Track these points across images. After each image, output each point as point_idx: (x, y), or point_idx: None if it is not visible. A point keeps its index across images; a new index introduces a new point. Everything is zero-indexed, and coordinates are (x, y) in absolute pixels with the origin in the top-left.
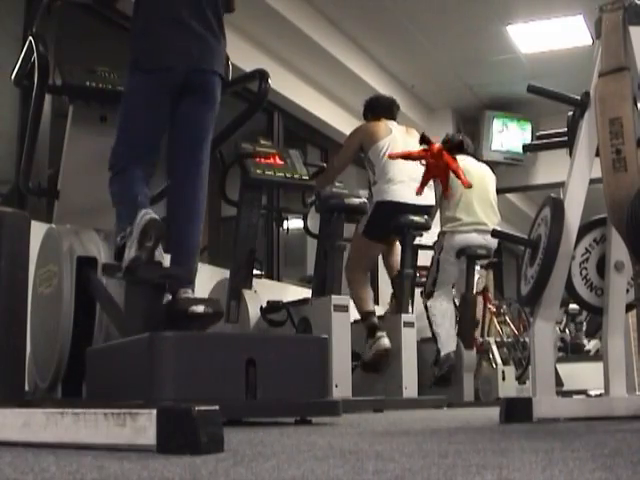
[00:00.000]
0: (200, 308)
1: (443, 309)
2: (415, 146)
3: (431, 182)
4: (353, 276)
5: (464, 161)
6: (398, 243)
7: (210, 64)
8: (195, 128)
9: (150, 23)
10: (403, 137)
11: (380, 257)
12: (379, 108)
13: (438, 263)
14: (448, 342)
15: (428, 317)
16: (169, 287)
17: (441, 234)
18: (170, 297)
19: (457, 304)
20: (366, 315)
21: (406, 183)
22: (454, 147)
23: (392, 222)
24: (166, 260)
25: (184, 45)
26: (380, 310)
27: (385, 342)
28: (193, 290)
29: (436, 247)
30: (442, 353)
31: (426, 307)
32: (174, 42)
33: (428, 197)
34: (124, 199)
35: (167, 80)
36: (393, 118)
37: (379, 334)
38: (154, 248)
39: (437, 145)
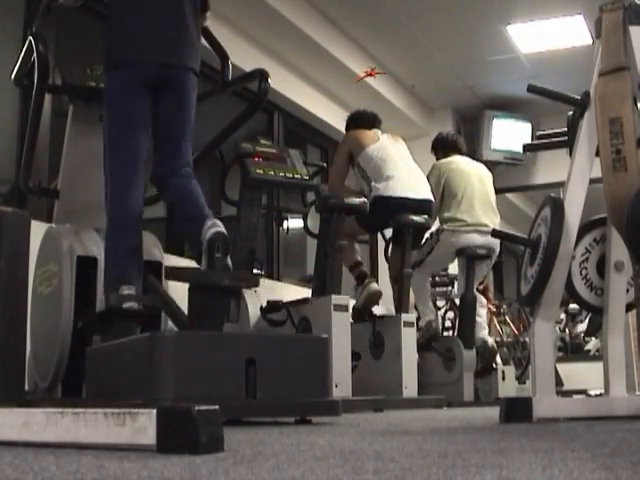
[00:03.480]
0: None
1: (421, 284)
2: (404, 152)
3: (426, 180)
4: None
5: (461, 162)
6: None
7: (182, 59)
8: (170, 129)
9: (121, 18)
10: (391, 143)
11: (381, 256)
12: (362, 121)
13: (431, 249)
14: (426, 312)
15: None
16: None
17: (440, 230)
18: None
19: (457, 304)
20: (355, 265)
21: (402, 177)
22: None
23: (392, 222)
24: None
25: (156, 40)
26: (380, 310)
27: (375, 286)
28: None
29: (432, 235)
30: (421, 322)
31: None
32: (145, 36)
33: (426, 191)
34: (120, 241)
35: (139, 74)
36: (376, 129)
37: (368, 279)
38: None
39: None
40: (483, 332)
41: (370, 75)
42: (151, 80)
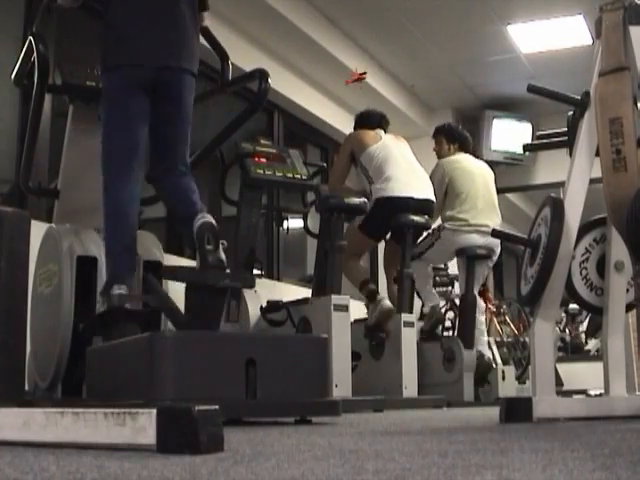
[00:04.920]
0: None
1: (423, 272)
2: (407, 152)
3: (428, 178)
4: (346, 263)
5: (466, 161)
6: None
7: (179, 61)
8: (170, 131)
9: (118, 19)
10: (394, 142)
11: (381, 256)
12: (368, 120)
13: (431, 245)
14: (429, 297)
15: None
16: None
17: (442, 227)
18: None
19: (457, 304)
20: (363, 284)
21: (404, 177)
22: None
23: (392, 222)
24: None
25: (154, 42)
26: None
27: (387, 303)
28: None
29: (434, 231)
30: (425, 308)
31: None
32: (142, 38)
33: (428, 191)
34: (110, 233)
35: (137, 77)
36: (382, 129)
37: (379, 297)
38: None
39: None
40: (482, 343)
41: (359, 79)
42: (148, 82)
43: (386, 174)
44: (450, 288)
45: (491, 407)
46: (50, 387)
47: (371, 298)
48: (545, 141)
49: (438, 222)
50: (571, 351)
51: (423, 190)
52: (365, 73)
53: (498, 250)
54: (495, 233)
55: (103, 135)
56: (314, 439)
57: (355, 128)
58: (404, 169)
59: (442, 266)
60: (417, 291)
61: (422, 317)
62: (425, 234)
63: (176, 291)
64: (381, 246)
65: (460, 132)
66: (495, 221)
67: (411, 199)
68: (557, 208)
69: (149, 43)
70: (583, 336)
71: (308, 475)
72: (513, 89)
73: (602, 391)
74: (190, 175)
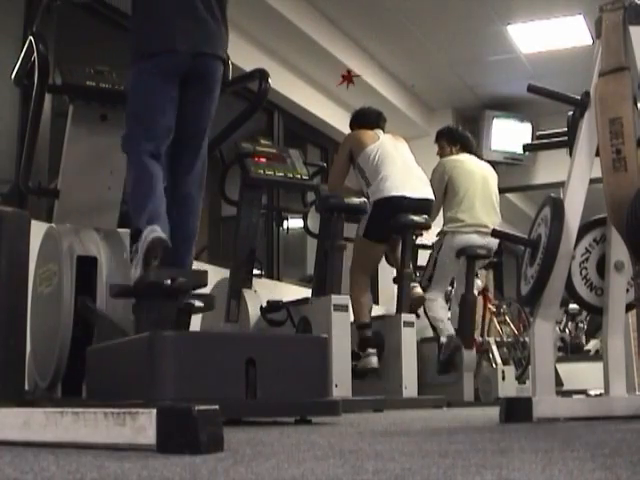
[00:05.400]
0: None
1: (437, 302)
2: (405, 151)
3: (427, 178)
4: (354, 278)
5: (467, 161)
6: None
7: (214, 48)
8: (198, 121)
9: (154, 9)
10: (392, 142)
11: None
12: (365, 119)
13: (435, 261)
14: (446, 327)
15: (424, 309)
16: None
17: (441, 233)
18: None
19: (457, 305)
20: (361, 326)
21: (399, 176)
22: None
23: (392, 222)
24: None
25: (189, 29)
26: (380, 310)
27: (373, 361)
28: None
29: (435, 245)
30: (442, 338)
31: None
32: (179, 26)
33: (426, 190)
34: (138, 196)
35: (174, 64)
36: (380, 128)
37: (369, 351)
38: (160, 266)
39: None
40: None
41: (349, 80)
42: (183, 69)
43: (382, 174)
44: (450, 288)
45: (491, 407)
46: (50, 387)
47: (362, 347)
48: (545, 141)
49: (437, 224)
50: (571, 351)
51: (421, 189)
52: (350, 72)
53: (494, 249)
54: (495, 233)
55: (131, 120)
56: (314, 439)
57: (351, 127)
58: (400, 168)
59: None
60: (430, 322)
61: (439, 349)
62: (429, 254)
63: None
64: None
65: (461, 133)
66: (494, 221)
67: (407, 198)
68: (557, 208)
69: (183, 29)
70: (583, 336)
71: (308, 475)
72: (513, 89)
73: (602, 391)
74: (199, 199)
